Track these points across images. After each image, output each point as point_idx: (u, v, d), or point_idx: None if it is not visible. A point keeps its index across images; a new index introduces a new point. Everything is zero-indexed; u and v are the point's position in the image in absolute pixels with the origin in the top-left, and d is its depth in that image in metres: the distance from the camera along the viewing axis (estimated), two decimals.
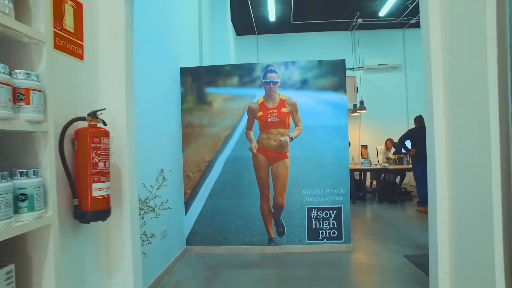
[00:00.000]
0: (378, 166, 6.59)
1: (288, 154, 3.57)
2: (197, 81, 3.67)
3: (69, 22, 1.42)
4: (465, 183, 1.43)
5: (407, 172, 6.82)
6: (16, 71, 1.04)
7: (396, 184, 6.65)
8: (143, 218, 2.50)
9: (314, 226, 3.58)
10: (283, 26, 7.85)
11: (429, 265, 1.65)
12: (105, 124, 1.48)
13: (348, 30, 8.22)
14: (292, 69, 3.61)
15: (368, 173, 7.21)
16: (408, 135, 5.66)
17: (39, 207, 1.09)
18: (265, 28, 8.01)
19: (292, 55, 8.08)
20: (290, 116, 3.55)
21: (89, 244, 1.54)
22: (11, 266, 1.05)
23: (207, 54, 4.80)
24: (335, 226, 3.57)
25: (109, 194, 1.45)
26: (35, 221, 1.08)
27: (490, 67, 1.23)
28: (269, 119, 3.54)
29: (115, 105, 1.65)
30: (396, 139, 6.43)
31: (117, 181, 1.64)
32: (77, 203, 1.37)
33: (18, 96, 1.03)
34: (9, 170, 1.04)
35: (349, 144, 7.41)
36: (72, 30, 1.44)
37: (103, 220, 1.46)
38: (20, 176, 1.05)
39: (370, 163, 6.78)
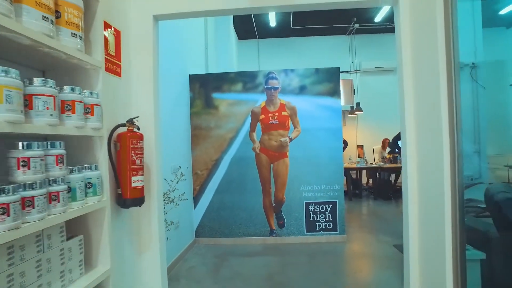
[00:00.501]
0: (374, 165, 6.95)
1: (288, 153, 3.92)
2: (205, 87, 4.02)
3: (111, 47, 1.77)
4: (426, 175, 1.77)
5: (402, 171, 7.16)
6: (84, 91, 1.39)
7: (391, 182, 7.00)
8: (164, 207, 2.86)
9: (311, 219, 3.93)
10: (283, 30, 8.19)
11: (403, 245, 2.00)
12: (138, 129, 1.83)
13: (346, 35, 8.56)
14: (292, 76, 3.96)
15: (364, 172, 7.56)
16: (399, 135, 6.00)
17: (99, 193, 1.45)
18: (266, 32, 8.35)
19: (291, 58, 8.44)
20: (289, 119, 3.90)
21: (125, 226, 1.89)
22: (81, 236, 1.40)
23: (212, 60, 5.15)
24: (331, 219, 3.92)
25: (143, 185, 1.80)
26: (97, 203, 1.43)
27: (441, 79, 1.58)
28: (270, 122, 3.89)
29: (145, 113, 2.00)
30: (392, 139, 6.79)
31: (147, 175, 1.99)
32: (120, 192, 1.72)
33: (86, 110, 1.38)
34: (80, 165, 1.39)
35: (347, 144, 7.79)
36: (113, 54, 1.79)
37: (139, 206, 1.81)
38: (87, 170, 1.41)
39: (366, 162, 7.12)
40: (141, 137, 1.79)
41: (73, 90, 1.31)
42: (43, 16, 1.13)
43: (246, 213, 3.98)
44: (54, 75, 1.39)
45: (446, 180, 1.54)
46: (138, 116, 1.84)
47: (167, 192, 2.99)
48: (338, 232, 3.93)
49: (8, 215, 0.97)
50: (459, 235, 1.55)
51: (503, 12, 6.81)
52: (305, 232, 3.94)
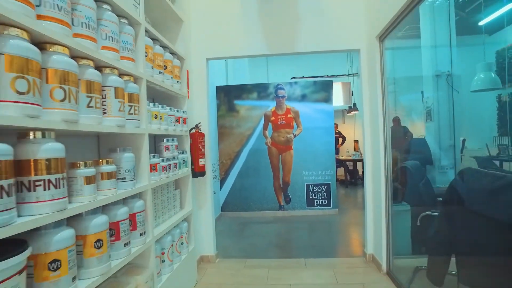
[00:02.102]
0: None
1: (292, 146, 5.09)
2: (228, 95, 5.20)
3: (185, 80, 2.96)
4: (374, 161, 2.92)
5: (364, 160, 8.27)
6: (175, 109, 2.58)
7: None
8: None
9: (310, 197, 5.11)
10: None
11: (364, 206, 3.16)
12: (200, 130, 3.01)
13: None
14: (295, 87, 5.12)
15: (359, 163, 8.69)
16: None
17: (187, 166, 2.64)
18: None
19: (295, 65, 9.55)
20: (294, 120, 5.06)
21: (194, 188, 3.08)
22: (179, 190, 2.60)
23: (230, 72, 6.32)
24: (326, 196, 5.10)
25: (205, 164, 2.99)
26: (186, 172, 2.63)
27: (379, 99, 2.73)
28: (279, 122, 5.06)
29: (202, 120, 3.18)
30: None
31: (206, 159, 3.18)
32: (192, 167, 2.91)
33: (179, 120, 2.57)
34: (181, 151, 2.59)
35: (345, 139, 8.90)
36: (187, 84, 2.97)
37: (202, 176, 3.00)
38: (183, 153, 2.60)
39: (361, 155, 8.26)
40: (203, 135, 2.99)
41: (174, 110, 2.50)
42: (159, 71, 2.32)
43: (261, 192, 5.17)
44: (159, 101, 2.58)
45: (382, 163, 2.71)
46: (200, 122, 3.03)
47: (213, 171, 4.19)
48: (331, 207, 5.10)
49: (163, 171, 2.16)
50: (389, 195, 2.72)
51: (482, 23, 7.84)
52: (306, 207, 5.12)
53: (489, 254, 1.69)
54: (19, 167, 1.03)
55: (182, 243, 2.51)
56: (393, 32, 2.63)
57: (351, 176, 8.32)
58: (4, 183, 0.90)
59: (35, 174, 1.05)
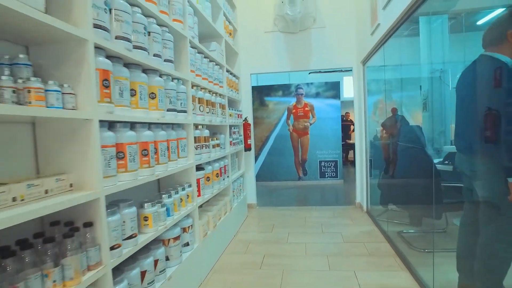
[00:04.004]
0: None
1: (309, 132, 6.72)
2: (260, 94, 6.85)
3: (240, 89, 4.64)
4: (360, 147, 4.51)
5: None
6: (236, 109, 4.28)
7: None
8: None
9: (322, 170, 6.75)
10: None
11: (355, 169, 4.78)
12: (248, 121, 4.70)
13: None
14: (311, 87, 6.71)
15: None
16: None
17: (241, 144, 4.37)
18: None
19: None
20: (310, 112, 6.67)
21: (245, 159, 4.80)
22: (236, 159, 4.34)
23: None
24: (334, 170, 6.73)
25: (251, 144, 4.70)
26: (241, 148, 4.35)
27: (362, 100, 4.32)
28: (298, 114, 6.69)
29: (248, 114, 4.86)
30: None
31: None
32: (243, 145, 4.62)
33: (238, 116, 4.27)
34: (238, 134, 4.31)
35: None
36: (238, 91, 4.65)
37: (249, 151, 4.72)
38: (240, 136, 4.32)
39: None
40: (249, 125, 4.69)
41: (236, 110, 4.21)
42: (231, 90, 4.01)
43: (284, 167, 6.85)
44: (228, 104, 4.27)
45: (363, 148, 4.34)
46: (247, 116, 4.72)
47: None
48: (338, 178, 6.73)
49: (233, 145, 3.88)
50: (368, 169, 4.35)
51: (480, 22, 9.01)
52: (319, 178, 6.77)
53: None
54: (198, 140, 2.75)
55: (240, 190, 4.26)
56: (370, 59, 4.18)
57: None
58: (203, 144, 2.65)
59: (204, 141, 2.78)
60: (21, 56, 1.23)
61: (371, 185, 4.44)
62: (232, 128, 4.02)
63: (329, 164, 6.73)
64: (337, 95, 6.67)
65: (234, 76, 4.26)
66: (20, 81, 1.16)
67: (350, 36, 4.60)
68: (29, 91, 1.15)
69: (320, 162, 6.76)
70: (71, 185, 1.39)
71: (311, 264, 2.87)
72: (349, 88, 9.74)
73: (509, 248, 1.76)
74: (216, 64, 3.38)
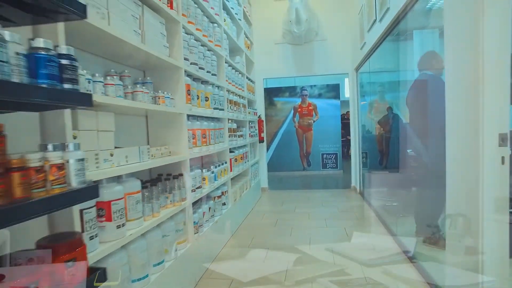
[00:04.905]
0: None
1: (312, 128, 7.67)
2: (270, 95, 7.82)
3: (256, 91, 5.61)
4: (354, 133, 5.45)
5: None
6: (253, 108, 5.25)
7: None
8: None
9: (324, 162, 7.70)
10: None
11: (351, 161, 5.72)
12: (261, 118, 5.67)
13: None
14: (314, 88, 7.66)
15: None
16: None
17: (256, 136, 5.34)
18: None
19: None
20: (313, 110, 7.62)
21: (258, 149, 5.76)
22: (253, 148, 5.31)
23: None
24: (334, 161, 7.67)
25: (264, 137, 5.66)
26: (255, 140, 5.33)
27: (355, 102, 5.26)
28: (303, 112, 7.65)
29: (261, 112, 5.83)
30: None
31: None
32: (258, 137, 5.59)
33: (255, 113, 5.24)
34: (254, 128, 5.29)
35: None
36: (254, 93, 5.62)
37: (262, 143, 5.69)
38: (255, 130, 5.29)
39: None
40: (262, 121, 5.67)
41: (253, 108, 5.18)
42: (249, 92, 4.99)
43: (291, 158, 7.81)
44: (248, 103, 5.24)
45: (356, 132, 5.30)
46: (260, 114, 5.70)
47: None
48: (338, 168, 7.68)
49: (251, 137, 4.86)
50: (360, 160, 5.30)
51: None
52: (321, 168, 7.72)
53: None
54: (230, 130, 3.73)
55: (256, 174, 5.23)
56: (362, 67, 5.12)
57: None
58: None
59: (233, 132, 3.75)
60: (148, 78, 2.21)
61: (363, 173, 5.39)
62: (250, 123, 4.99)
63: (330, 156, 7.68)
64: (337, 96, 7.61)
65: (251, 81, 5.24)
66: (153, 92, 2.14)
67: (347, 47, 5.55)
68: (159, 98, 2.13)
69: (322, 154, 7.71)
70: (169, 152, 2.37)
71: (313, 224, 3.84)
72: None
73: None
74: (240, 73, 4.35)
